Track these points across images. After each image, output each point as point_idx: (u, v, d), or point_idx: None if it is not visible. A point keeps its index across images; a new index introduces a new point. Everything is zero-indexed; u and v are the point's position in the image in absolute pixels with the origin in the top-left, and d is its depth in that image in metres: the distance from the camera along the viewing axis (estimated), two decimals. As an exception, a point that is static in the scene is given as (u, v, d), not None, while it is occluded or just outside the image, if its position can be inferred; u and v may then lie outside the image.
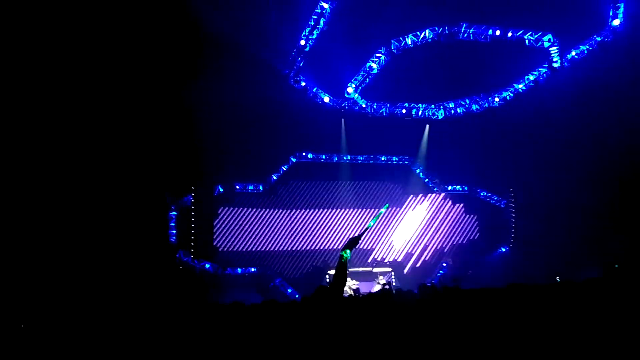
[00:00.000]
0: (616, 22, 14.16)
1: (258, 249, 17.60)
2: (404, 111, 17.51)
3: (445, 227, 19.40)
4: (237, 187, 17.69)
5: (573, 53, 15.20)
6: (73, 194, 12.81)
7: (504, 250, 18.57)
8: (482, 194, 19.60)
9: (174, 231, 16.27)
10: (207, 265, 16.32)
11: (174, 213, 16.40)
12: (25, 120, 11.78)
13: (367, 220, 18.74)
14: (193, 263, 16.14)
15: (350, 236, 4.33)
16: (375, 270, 17.30)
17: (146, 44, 12.90)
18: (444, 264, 18.71)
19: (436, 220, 19.42)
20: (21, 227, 11.62)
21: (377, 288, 14.14)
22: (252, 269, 17.08)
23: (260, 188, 17.92)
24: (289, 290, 16.82)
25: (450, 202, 19.57)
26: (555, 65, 15.21)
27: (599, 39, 14.68)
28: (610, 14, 14.24)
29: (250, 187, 17.86)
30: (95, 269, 12.19)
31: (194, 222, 16.39)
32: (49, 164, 12.36)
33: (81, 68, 12.40)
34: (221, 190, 17.41)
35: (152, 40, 12.95)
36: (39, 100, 11.97)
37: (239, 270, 16.91)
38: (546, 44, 14.91)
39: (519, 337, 3.82)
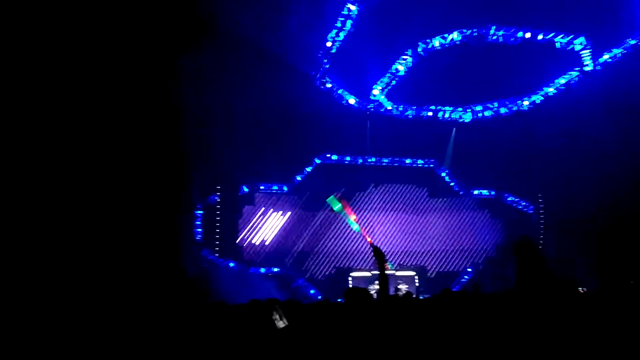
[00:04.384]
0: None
1: (281, 249, 17.70)
2: (430, 114, 17.37)
3: (470, 231, 19.14)
4: (262, 187, 17.84)
5: (606, 56, 14.82)
6: (100, 194, 13.05)
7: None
8: (509, 199, 19.25)
9: (200, 229, 16.52)
10: (232, 264, 16.50)
11: (200, 212, 16.65)
12: (51, 121, 12.00)
13: (390, 224, 18.68)
14: (218, 262, 16.34)
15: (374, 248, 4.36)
16: (398, 273, 17.19)
17: (174, 49, 13.08)
18: (469, 269, 18.46)
19: (461, 224, 19.18)
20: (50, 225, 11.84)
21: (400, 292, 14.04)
22: (275, 269, 17.20)
23: (285, 189, 18.02)
24: (312, 291, 16.87)
25: (476, 207, 19.29)
26: (587, 69, 14.86)
27: (632, 42, 14.28)
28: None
29: (275, 188, 17.98)
30: (116, 268, 12.37)
31: (218, 221, 16.60)
32: (82, 166, 12.60)
33: (107, 70, 12.64)
34: (246, 190, 17.58)
35: (179, 45, 13.13)
36: (63, 100, 12.20)
37: (262, 270, 17.04)
38: (577, 47, 14.59)
39: (540, 344, 3.76)
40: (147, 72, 13.19)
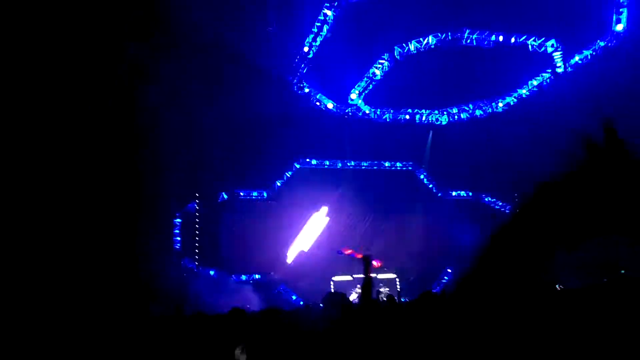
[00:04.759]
0: (619, 27, 14.13)
1: (262, 256, 17.56)
2: (407, 117, 17.52)
3: (449, 232, 19.29)
4: (241, 193, 17.72)
5: (577, 58, 15.17)
6: (74, 199, 12.81)
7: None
8: (486, 199, 19.51)
9: (179, 238, 16.31)
10: (212, 272, 16.32)
11: (179, 220, 16.44)
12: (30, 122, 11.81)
13: (370, 227, 18.72)
14: (198, 270, 16.15)
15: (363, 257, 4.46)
16: (380, 276, 17.21)
17: (150, 56, 12.97)
18: (449, 270, 18.61)
19: (440, 225, 19.33)
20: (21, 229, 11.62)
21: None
22: (257, 276, 17.06)
23: (265, 194, 17.93)
24: (294, 297, 16.79)
25: (454, 208, 19.47)
26: (558, 70, 15.19)
27: (602, 43, 14.66)
28: (614, 18, 14.21)
29: (254, 194, 17.88)
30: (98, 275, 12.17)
31: (198, 229, 16.41)
32: (50, 168, 12.37)
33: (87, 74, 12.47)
34: (225, 197, 17.43)
35: (156, 53, 13.02)
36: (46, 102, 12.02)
37: (244, 277, 16.89)
38: (549, 49, 14.90)
39: (521, 343, 3.79)
40: (123, 79, 13.06)
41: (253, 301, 14.87)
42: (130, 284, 12.45)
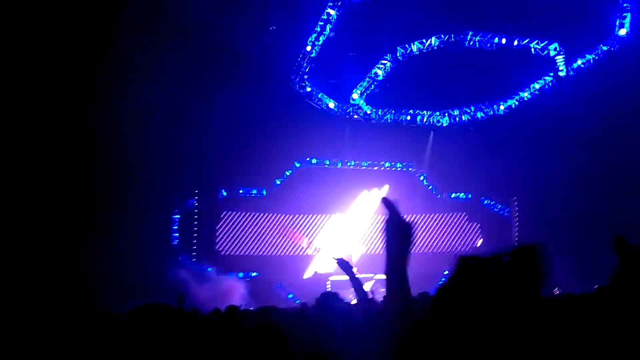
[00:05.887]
0: (623, 32, 14.09)
1: (260, 254, 17.58)
2: (408, 118, 17.49)
3: (447, 234, 19.31)
4: (241, 191, 17.71)
5: (579, 62, 15.14)
6: (71, 193, 12.83)
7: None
8: (485, 202, 19.48)
9: (177, 234, 16.30)
10: (209, 269, 16.31)
11: (177, 216, 16.43)
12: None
13: (369, 227, 18.70)
14: (195, 267, 16.13)
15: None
16: (377, 277, 17.20)
17: (152, 51, 12.97)
18: (446, 272, 18.58)
19: (439, 227, 19.33)
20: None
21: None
22: (254, 274, 17.06)
23: (264, 192, 17.92)
24: (290, 296, 16.78)
25: (453, 209, 19.47)
26: (561, 74, 15.16)
27: (605, 48, 14.62)
28: (617, 23, 14.18)
29: (254, 192, 17.87)
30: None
31: (197, 225, 16.40)
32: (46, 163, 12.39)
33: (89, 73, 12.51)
34: (225, 194, 17.43)
35: (158, 48, 13.02)
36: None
37: (241, 274, 16.89)
38: (552, 53, 14.87)
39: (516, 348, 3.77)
40: (125, 73, 13.07)
41: (249, 299, 14.86)
42: (124, 278, 12.47)
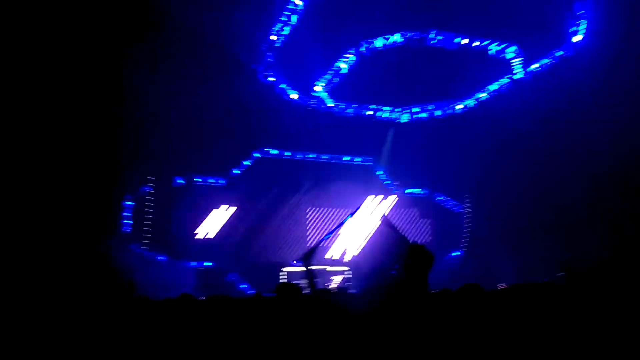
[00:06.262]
0: (577, 38, 14.65)
1: (214, 243, 17.32)
2: (370, 113, 17.62)
3: (401, 229, 19.57)
4: (197, 179, 17.37)
5: (535, 65, 15.66)
6: (23, 184, 12.29)
7: (457, 254, 18.84)
8: (438, 198, 19.87)
9: (130, 221, 15.84)
10: (161, 258, 15.97)
11: (131, 203, 15.96)
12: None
13: (325, 220, 18.78)
14: (146, 255, 15.75)
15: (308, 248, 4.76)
16: (331, 269, 17.33)
17: (113, 39, 12.57)
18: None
19: (393, 221, 19.55)
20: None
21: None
22: (208, 263, 16.82)
23: (221, 181, 17.65)
24: (244, 286, 16.66)
25: (406, 205, 19.74)
26: (516, 77, 15.64)
27: (559, 53, 15.17)
28: (573, 29, 14.72)
29: (211, 180, 17.56)
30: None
31: (150, 212, 16.00)
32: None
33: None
34: (180, 182, 17.05)
35: (117, 35, 12.63)
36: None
37: (194, 263, 16.61)
38: (509, 55, 15.32)
39: (475, 340, 3.85)
40: (81, 62, 12.65)
41: (202, 287, 14.66)
42: (77, 266, 12.03)
